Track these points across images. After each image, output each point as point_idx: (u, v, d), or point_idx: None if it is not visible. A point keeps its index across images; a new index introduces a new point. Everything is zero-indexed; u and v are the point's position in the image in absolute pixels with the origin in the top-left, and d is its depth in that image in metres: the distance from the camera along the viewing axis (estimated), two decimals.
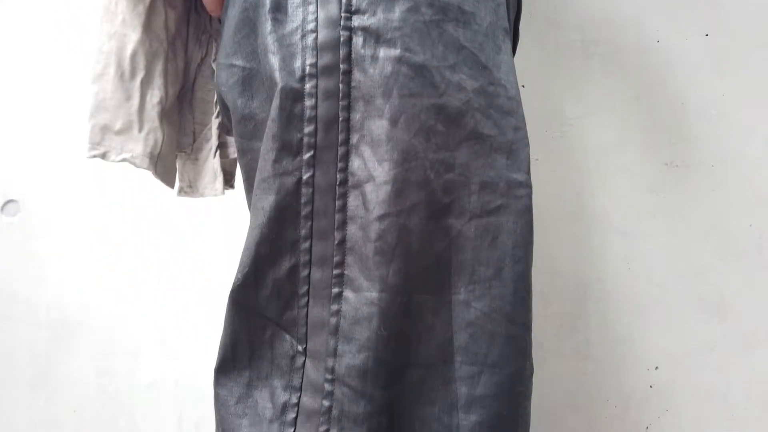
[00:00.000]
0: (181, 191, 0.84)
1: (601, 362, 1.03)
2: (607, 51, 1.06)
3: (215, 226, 1.11)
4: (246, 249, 0.56)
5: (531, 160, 0.60)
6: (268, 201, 0.55)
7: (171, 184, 0.82)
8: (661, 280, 1.03)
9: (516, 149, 0.58)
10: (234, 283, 0.56)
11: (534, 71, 1.07)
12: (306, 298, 0.56)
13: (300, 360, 0.56)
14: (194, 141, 0.83)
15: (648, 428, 1.02)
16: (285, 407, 0.56)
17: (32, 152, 1.13)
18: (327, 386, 0.54)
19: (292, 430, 0.55)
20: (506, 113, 0.58)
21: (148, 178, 1.09)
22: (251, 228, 0.56)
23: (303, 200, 0.55)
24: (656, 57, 1.05)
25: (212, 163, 0.81)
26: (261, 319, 0.57)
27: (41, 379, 1.12)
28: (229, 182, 0.86)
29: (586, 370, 1.03)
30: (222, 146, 0.81)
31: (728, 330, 1.02)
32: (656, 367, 1.02)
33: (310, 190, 0.55)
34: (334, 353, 0.54)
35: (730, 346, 1.01)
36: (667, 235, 1.04)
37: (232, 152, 0.82)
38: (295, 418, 0.55)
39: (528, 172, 0.59)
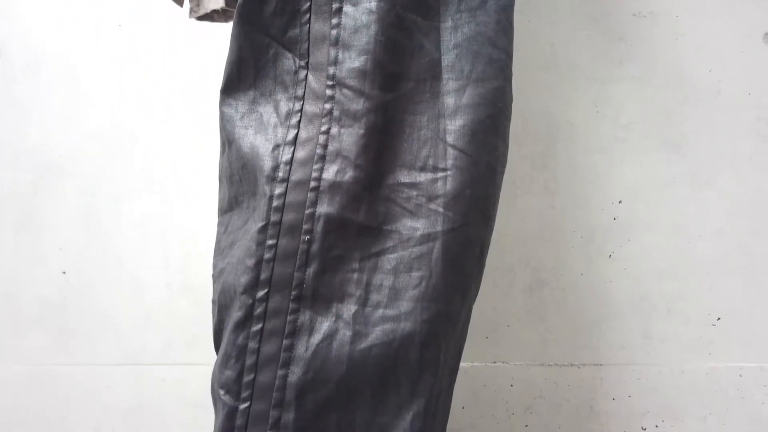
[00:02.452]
0: (191, 12, 0.87)
1: (568, 197, 1.10)
2: None
3: (210, 63, 1.13)
4: None
5: None
6: None
7: (180, 2, 0.85)
8: (626, 122, 1.10)
9: None
10: None
11: None
12: (308, 15, 0.59)
13: (302, 73, 0.60)
14: None
15: (611, 256, 1.09)
16: (288, 114, 0.60)
17: None
18: (328, 92, 0.59)
19: (296, 131, 0.59)
20: None
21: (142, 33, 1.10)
22: None
23: None
24: None
25: None
26: (265, 37, 0.60)
27: (26, 219, 1.13)
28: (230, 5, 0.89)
29: (554, 205, 1.10)
30: None
31: (687, 167, 1.09)
32: (620, 201, 1.09)
33: None
34: (335, 61, 0.58)
35: (688, 181, 1.09)
36: (633, 80, 1.11)
37: None
38: (299, 121, 0.59)
39: None
